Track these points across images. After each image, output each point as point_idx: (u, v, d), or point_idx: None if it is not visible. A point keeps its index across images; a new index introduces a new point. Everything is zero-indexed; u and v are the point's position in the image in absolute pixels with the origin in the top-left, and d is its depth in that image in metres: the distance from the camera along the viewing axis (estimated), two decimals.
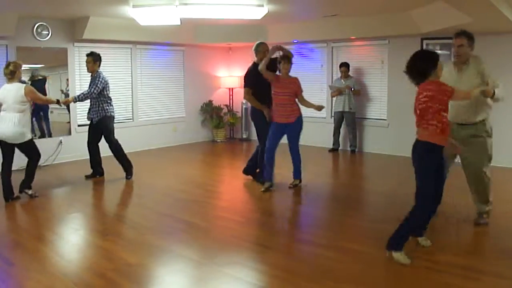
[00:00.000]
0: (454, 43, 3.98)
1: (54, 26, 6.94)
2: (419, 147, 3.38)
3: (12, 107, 4.87)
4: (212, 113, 9.48)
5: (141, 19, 6.24)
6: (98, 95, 5.81)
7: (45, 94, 6.73)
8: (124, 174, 6.12)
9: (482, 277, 3.12)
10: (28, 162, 5.17)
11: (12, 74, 4.95)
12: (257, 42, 5.69)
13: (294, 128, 5.35)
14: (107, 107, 5.92)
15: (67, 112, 7.29)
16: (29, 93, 4.96)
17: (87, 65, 5.88)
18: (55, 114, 7.31)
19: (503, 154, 6.60)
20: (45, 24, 6.82)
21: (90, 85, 5.86)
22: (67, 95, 7.10)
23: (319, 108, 5.43)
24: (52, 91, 7.29)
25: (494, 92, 3.65)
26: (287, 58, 5.25)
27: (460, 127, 3.99)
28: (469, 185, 4.17)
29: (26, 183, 5.12)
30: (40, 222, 4.52)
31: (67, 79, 7.25)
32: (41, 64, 7.15)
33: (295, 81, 5.33)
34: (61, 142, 7.18)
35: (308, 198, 5.35)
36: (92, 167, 6.16)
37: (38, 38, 6.79)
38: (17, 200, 5.03)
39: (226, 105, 9.79)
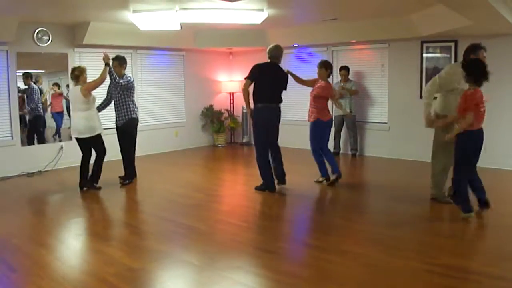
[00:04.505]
0: (482, 55, 4.44)
1: (54, 32, 6.96)
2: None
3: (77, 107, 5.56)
4: (212, 118, 9.49)
5: (141, 24, 6.26)
6: (124, 96, 5.85)
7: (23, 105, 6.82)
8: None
9: (483, 279, 3.10)
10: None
11: (77, 79, 5.52)
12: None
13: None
14: (134, 109, 5.98)
15: (68, 118, 7.29)
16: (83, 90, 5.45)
17: (114, 70, 5.78)
18: None
19: (502, 156, 6.60)
20: (45, 29, 6.84)
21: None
22: (68, 100, 7.11)
23: None
24: (53, 96, 7.32)
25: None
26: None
27: None
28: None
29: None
30: (41, 227, 4.51)
31: (67, 85, 7.25)
32: (41, 69, 7.16)
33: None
34: (62, 147, 7.18)
35: (310, 202, 5.34)
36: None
37: (39, 44, 6.81)
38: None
39: (227, 110, 9.80)
